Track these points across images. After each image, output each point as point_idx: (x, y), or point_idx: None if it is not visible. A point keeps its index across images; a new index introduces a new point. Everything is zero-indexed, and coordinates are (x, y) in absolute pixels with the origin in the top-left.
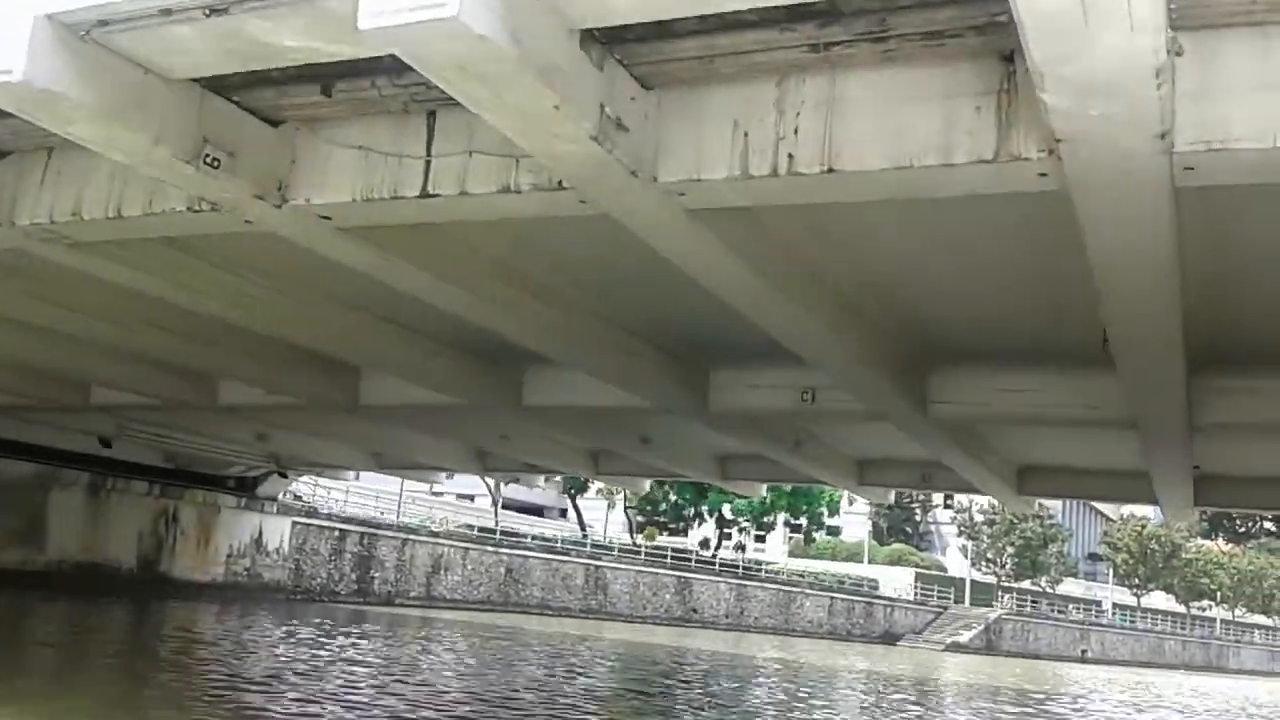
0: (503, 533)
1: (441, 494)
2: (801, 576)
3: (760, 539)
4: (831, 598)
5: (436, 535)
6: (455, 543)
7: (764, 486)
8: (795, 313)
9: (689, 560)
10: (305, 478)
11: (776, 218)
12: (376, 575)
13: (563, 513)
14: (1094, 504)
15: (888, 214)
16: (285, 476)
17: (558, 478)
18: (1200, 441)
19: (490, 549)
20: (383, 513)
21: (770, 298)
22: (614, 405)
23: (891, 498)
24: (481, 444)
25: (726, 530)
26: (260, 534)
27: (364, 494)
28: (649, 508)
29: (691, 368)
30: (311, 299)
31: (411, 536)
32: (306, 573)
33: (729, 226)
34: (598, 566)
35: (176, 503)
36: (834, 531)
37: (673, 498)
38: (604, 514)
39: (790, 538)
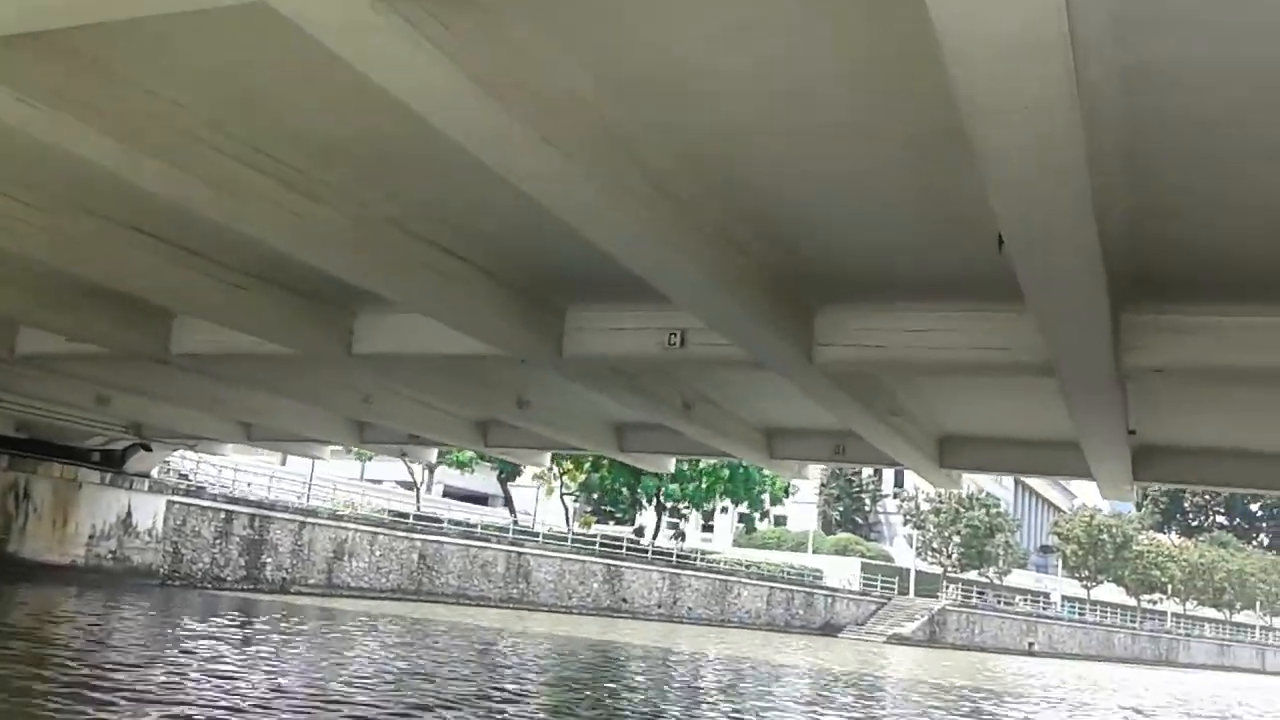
0: (417, 518)
1: (381, 481)
2: (744, 566)
3: (708, 528)
4: (770, 588)
5: (340, 518)
6: (361, 527)
7: (671, 461)
8: (636, 227)
9: (620, 548)
10: (227, 459)
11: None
12: (269, 561)
13: (507, 501)
14: (1040, 488)
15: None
16: (150, 449)
17: (489, 462)
18: (1136, 400)
19: (402, 534)
20: (303, 498)
21: (597, 200)
22: (459, 353)
23: (814, 474)
24: (351, 411)
25: (674, 520)
26: (129, 513)
27: (291, 479)
28: (594, 496)
29: (544, 307)
30: (94, 223)
31: (310, 519)
32: (186, 557)
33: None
34: (520, 553)
35: (29, 476)
36: (781, 521)
37: (608, 483)
38: (545, 502)
39: (737, 527)
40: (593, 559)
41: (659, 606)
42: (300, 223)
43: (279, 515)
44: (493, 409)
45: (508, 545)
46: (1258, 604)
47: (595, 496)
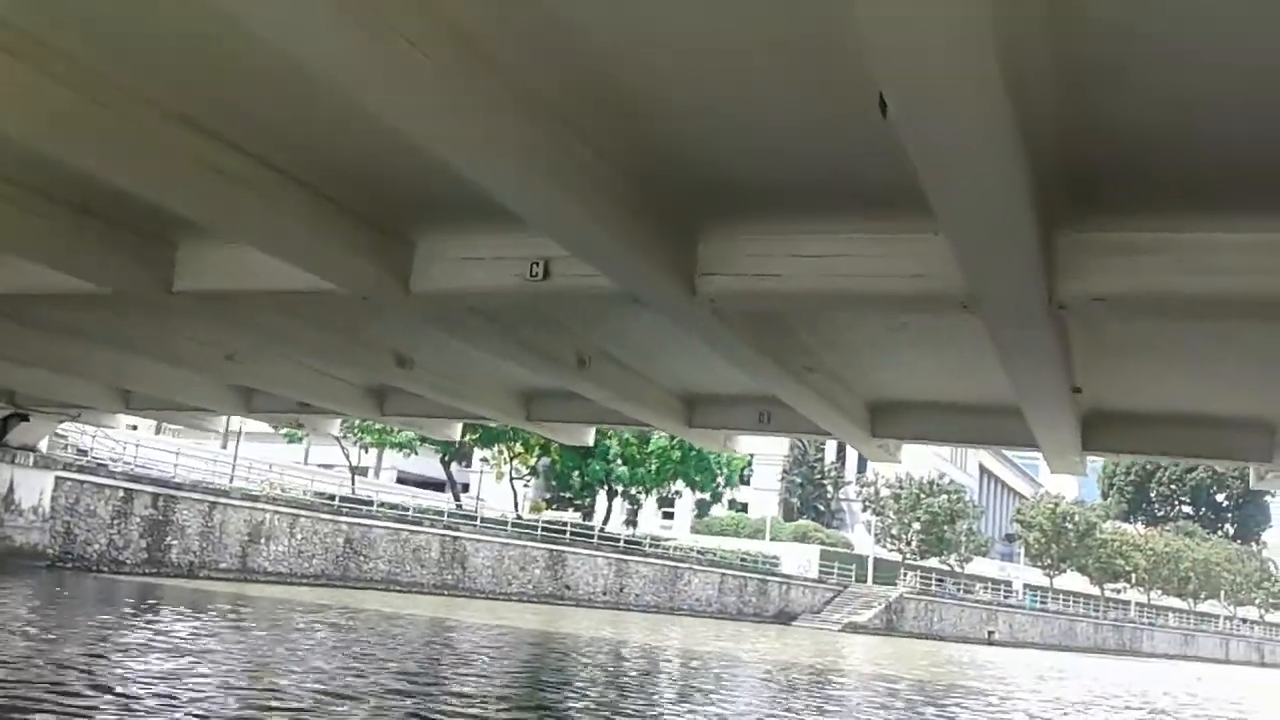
0: (343, 500)
1: (332, 466)
2: (701, 553)
3: (668, 515)
4: (722, 575)
5: (256, 499)
6: (280, 509)
7: (589, 433)
8: (482, 135)
9: (564, 533)
10: (160, 438)
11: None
12: (175, 543)
13: (465, 487)
14: (1006, 476)
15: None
16: (27, 419)
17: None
18: (1082, 354)
19: (326, 517)
20: (244, 480)
21: (438, 102)
22: (290, 289)
23: (743, 448)
24: (224, 374)
25: (633, 505)
26: (11, 489)
27: (234, 463)
28: (553, 482)
29: (391, 235)
30: None
31: (222, 500)
32: (80, 538)
33: None
34: (456, 538)
35: None
36: (742, 508)
37: (558, 468)
38: (503, 488)
39: (694, 512)
40: (535, 544)
41: (604, 594)
42: (62, 116)
43: (186, 495)
44: (375, 371)
45: (442, 529)
46: (1222, 594)
47: (554, 483)
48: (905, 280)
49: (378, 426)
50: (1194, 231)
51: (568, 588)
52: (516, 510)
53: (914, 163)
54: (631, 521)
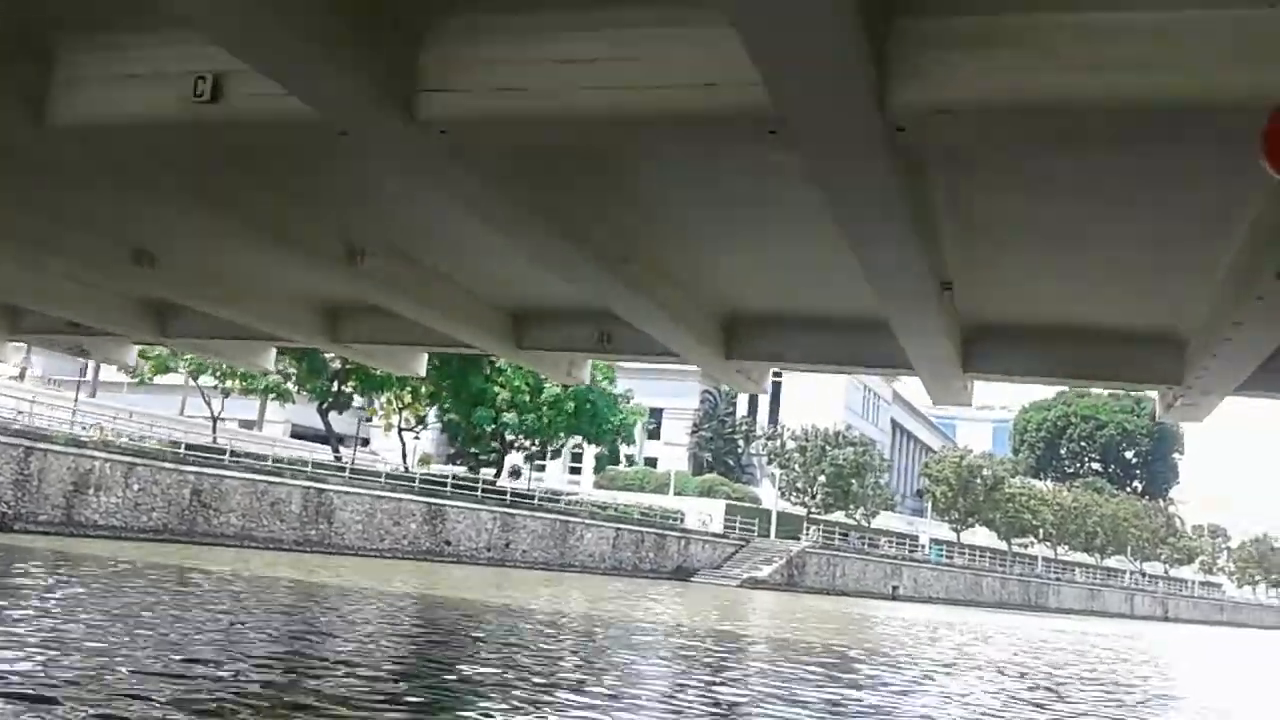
0: (190, 448)
1: (222, 417)
2: (601, 508)
3: (575, 470)
4: (617, 529)
5: (82, 445)
6: (113, 456)
7: (419, 359)
8: None
9: (445, 486)
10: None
11: None
12: None
13: (365, 442)
14: (918, 431)
15: None
16: None
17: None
18: (948, 235)
19: (169, 466)
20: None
21: None
22: None
23: (587, 375)
24: None
25: (540, 462)
26: None
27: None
28: (457, 438)
29: (20, 48)
30: None
31: (40, 445)
32: None
33: None
34: (321, 490)
35: None
36: (651, 463)
37: (447, 417)
38: (405, 442)
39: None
40: (411, 498)
41: (489, 550)
42: None
43: None
44: (112, 272)
45: (305, 481)
46: (1129, 549)
47: (458, 438)
48: (695, 92)
49: (240, 371)
50: (1072, 10)
51: (448, 544)
52: (405, 464)
53: None
54: (514, 472)
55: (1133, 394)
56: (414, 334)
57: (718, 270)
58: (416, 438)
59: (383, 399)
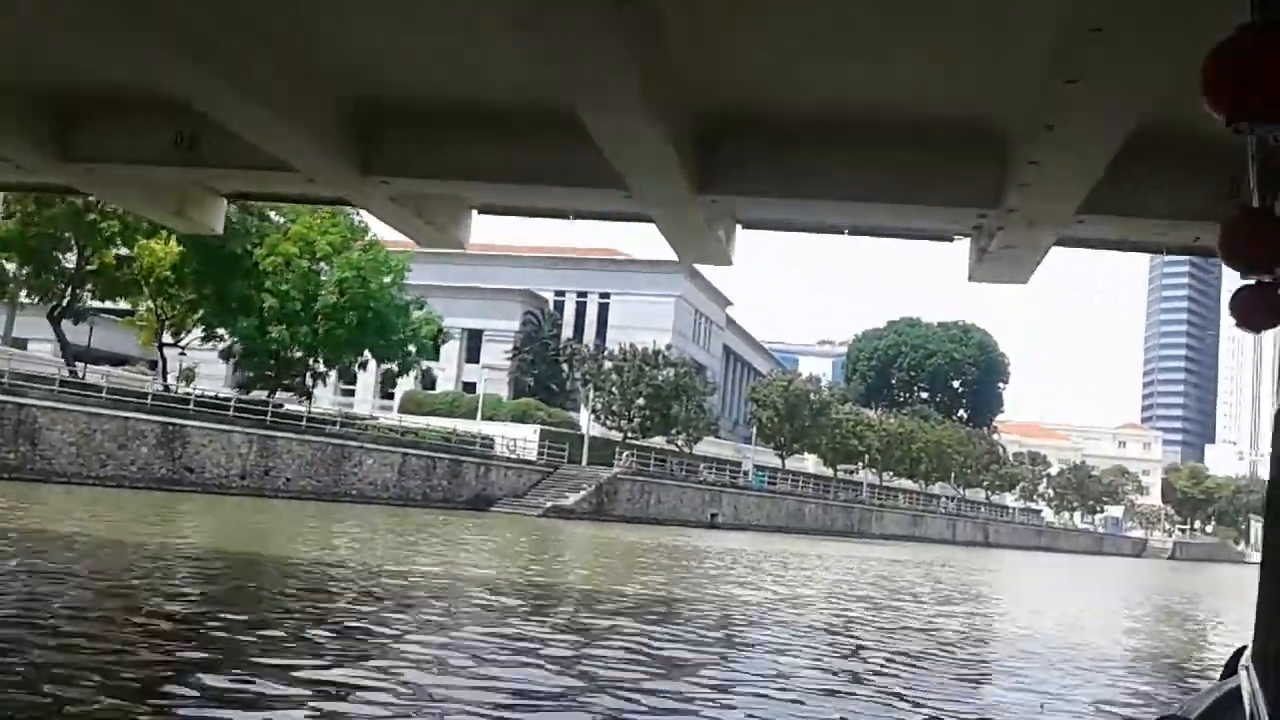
0: None
1: (25, 348)
2: (391, 430)
3: (388, 395)
4: (404, 454)
5: None
6: None
7: None
8: None
9: (186, 404)
10: None
11: None
12: None
13: (152, 365)
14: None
15: None
16: None
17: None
18: None
19: None
20: None
21: None
22: None
23: (216, 226)
24: None
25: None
26: None
27: None
28: (255, 360)
29: None
30: None
31: None
32: None
33: None
34: (20, 405)
35: None
36: (470, 388)
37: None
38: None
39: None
40: (140, 416)
41: (243, 478)
42: None
43: None
44: None
45: (4, 395)
46: (952, 476)
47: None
48: None
49: None
50: None
51: (189, 470)
52: (165, 381)
53: None
54: (306, 393)
55: (961, 324)
56: None
57: (348, 33)
58: (182, 353)
59: (142, 308)
